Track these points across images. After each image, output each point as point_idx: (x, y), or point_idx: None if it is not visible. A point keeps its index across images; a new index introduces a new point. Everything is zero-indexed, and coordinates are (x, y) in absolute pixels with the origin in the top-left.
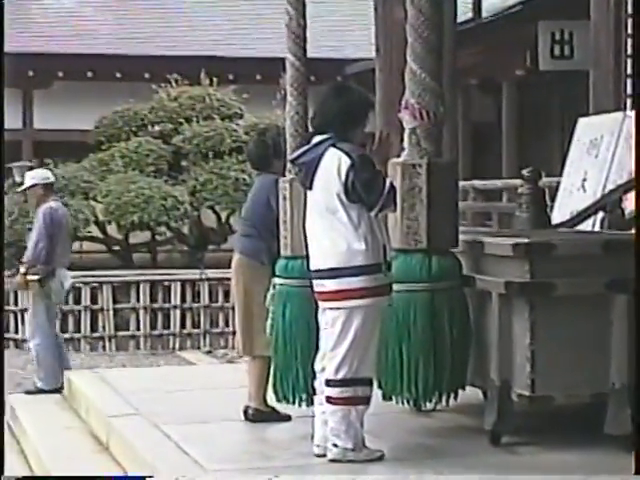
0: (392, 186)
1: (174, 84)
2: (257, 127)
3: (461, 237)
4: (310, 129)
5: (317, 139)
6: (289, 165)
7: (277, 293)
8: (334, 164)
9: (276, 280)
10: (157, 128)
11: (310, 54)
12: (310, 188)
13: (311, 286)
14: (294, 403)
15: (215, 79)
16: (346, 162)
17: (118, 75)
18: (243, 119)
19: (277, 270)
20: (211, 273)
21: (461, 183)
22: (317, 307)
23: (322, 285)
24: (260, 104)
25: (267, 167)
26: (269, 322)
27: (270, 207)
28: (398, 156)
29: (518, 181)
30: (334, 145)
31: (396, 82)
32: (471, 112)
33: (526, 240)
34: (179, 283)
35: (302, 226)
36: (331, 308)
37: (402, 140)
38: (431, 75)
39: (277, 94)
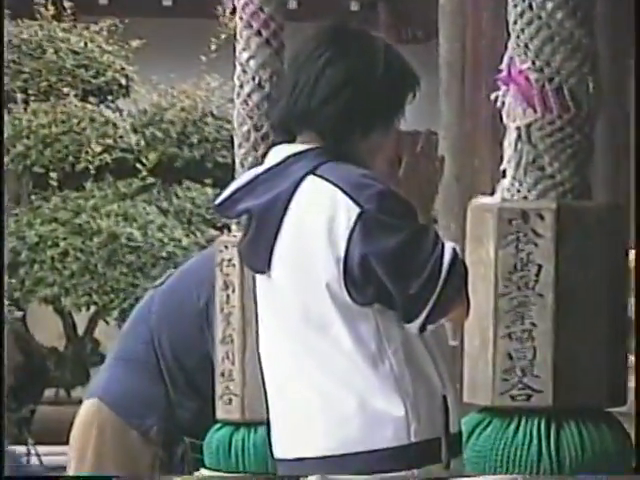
0: (456, 257)
1: None
2: (163, 116)
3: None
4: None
5: (281, 153)
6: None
7: None
8: (321, 215)
9: (205, 475)
10: None
11: None
12: (266, 270)
13: None
14: None
15: (68, 5)
16: (348, 210)
17: None
18: (131, 95)
19: (207, 453)
20: (46, 450)
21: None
22: None
23: None
24: (170, 62)
25: None
26: None
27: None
28: (491, 193)
29: None
30: (315, 171)
31: (487, 24)
32: None
33: None
34: None
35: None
36: None
37: (501, 157)
38: (570, 14)
39: (211, 42)
